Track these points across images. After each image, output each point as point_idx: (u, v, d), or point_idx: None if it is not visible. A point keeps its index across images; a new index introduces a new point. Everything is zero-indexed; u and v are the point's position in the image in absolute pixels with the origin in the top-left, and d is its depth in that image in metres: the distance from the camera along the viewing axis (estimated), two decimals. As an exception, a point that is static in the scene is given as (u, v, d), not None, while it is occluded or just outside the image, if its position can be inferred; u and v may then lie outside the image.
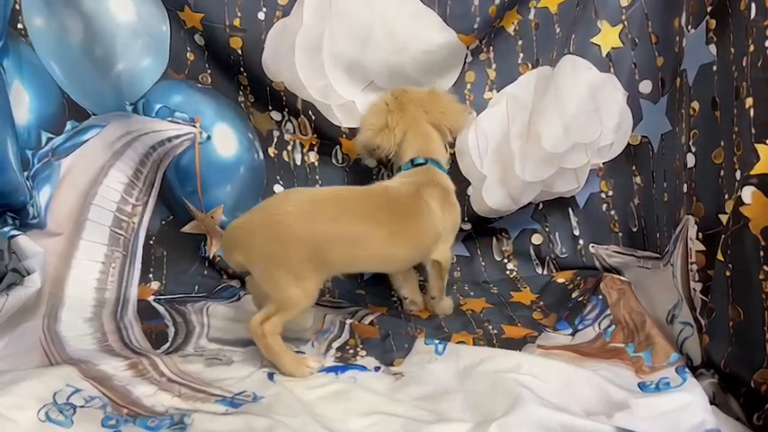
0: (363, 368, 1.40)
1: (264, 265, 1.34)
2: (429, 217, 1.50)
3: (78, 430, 1.11)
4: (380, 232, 1.42)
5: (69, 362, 1.33)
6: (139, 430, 1.13)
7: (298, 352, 1.46)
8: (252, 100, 1.83)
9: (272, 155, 1.87)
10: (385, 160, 1.72)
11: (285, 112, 1.83)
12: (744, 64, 1.22)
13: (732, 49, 1.28)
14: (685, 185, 1.42)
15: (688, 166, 1.41)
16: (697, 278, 1.33)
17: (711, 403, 1.15)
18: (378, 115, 1.61)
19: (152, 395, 1.24)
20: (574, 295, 1.73)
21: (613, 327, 1.51)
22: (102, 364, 1.32)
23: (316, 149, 1.88)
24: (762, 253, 1.10)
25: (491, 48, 1.81)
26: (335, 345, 1.51)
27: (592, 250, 1.87)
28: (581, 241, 1.89)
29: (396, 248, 1.47)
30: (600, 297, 1.63)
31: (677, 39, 1.55)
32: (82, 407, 1.17)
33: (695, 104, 1.40)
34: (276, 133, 1.86)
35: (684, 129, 1.46)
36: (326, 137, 1.84)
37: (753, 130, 1.17)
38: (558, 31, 1.76)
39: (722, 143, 1.28)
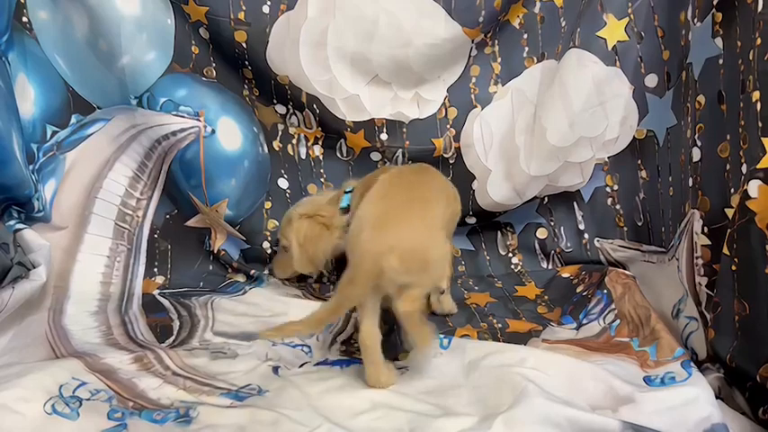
0: (369, 363, 1.40)
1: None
2: None
3: (84, 423, 1.11)
4: None
5: (75, 355, 1.33)
6: (145, 423, 1.13)
7: (303, 345, 1.46)
8: (256, 94, 1.82)
9: (277, 148, 1.87)
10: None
11: (290, 106, 1.82)
12: (750, 57, 1.21)
13: (739, 43, 1.27)
14: (691, 179, 1.42)
15: (694, 160, 1.40)
16: (702, 272, 1.33)
17: (717, 397, 1.15)
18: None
19: (157, 388, 1.25)
20: (579, 290, 1.73)
21: (618, 321, 1.51)
22: (108, 358, 1.33)
23: (320, 143, 1.87)
24: (768, 247, 1.09)
25: (496, 41, 1.80)
26: (340, 338, 1.51)
27: (597, 244, 1.87)
28: (586, 235, 1.89)
29: None
30: (605, 291, 1.63)
31: (683, 32, 1.55)
32: (88, 400, 1.17)
33: (701, 98, 1.39)
34: (281, 127, 1.86)
35: (690, 123, 1.45)
36: (331, 130, 1.84)
37: (759, 124, 1.16)
38: (563, 24, 1.75)
39: (728, 137, 1.28)
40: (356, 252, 1.20)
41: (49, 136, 1.70)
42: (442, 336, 1.46)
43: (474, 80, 1.82)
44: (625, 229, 1.83)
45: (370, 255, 1.17)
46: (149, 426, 1.13)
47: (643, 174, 1.77)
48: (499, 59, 1.81)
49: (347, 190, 1.61)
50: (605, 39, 1.68)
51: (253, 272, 1.84)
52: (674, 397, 1.15)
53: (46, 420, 1.10)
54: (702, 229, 1.33)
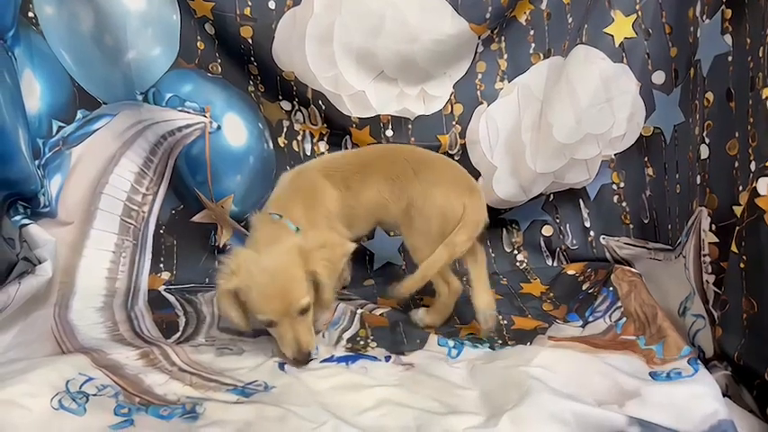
0: (374, 359, 1.40)
1: None
2: None
3: (91, 418, 1.11)
4: None
5: (81, 350, 1.33)
6: (151, 419, 1.13)
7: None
8: (262, 89, 1.82)
9: (282, 145, 1.87)
10: None
11: (295, 102, 1.82)
12: (760, 54, 1.21)
13: (748, 40, 1.26)
14: (699, 177, 1.41)
15: (702, 158, 1.40)
16: (710, 270, 1.32)
17: (724, 395, 1.15)
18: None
19: (164, 384, 1.25)
20: (584, 287, 1.73)
21: (624, 319, 1.50)
22: (114, 353, 1.33)
23: (325, 139, 1.87)
24: (776, 244, 1.09)
25: (503, 38, 1.80)
26: (346, 335, 1.51)
27: (603, 242, 1.87)
28: (592, 233, 1.88)
29: None
30: (611, 289, 1.62)
31: (691, 29, 1.54)
32: (94, 395, 1.17)
33: (709, 95, 1.39)
34: (286, 123, 1.86)
35: (698, 120, 1.45)
36: (336, 126, 1.84)
37: (769, 121, 1.16)
38: (570, 20, 1.75)
39: (737, 134, 1.27)
40: (468, 213, 1.46)
41: (54, 131, 1.70)
42: (451, 345, 1.46)
43: (480, 76, 1.82)
44: (631, 226, 1.83)
45: (481, 210, 1.50)
46: (156, 421, 1.13)
47: (650, 171, 1.76)
48: (505, 56, 1.81)
49: (278, 215, 1.44)
50: (612, 35, 1.68)
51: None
52: (680, 391, 1.15)
53: (53, 415, 1.10)
54: (710, 227, 1.33)
